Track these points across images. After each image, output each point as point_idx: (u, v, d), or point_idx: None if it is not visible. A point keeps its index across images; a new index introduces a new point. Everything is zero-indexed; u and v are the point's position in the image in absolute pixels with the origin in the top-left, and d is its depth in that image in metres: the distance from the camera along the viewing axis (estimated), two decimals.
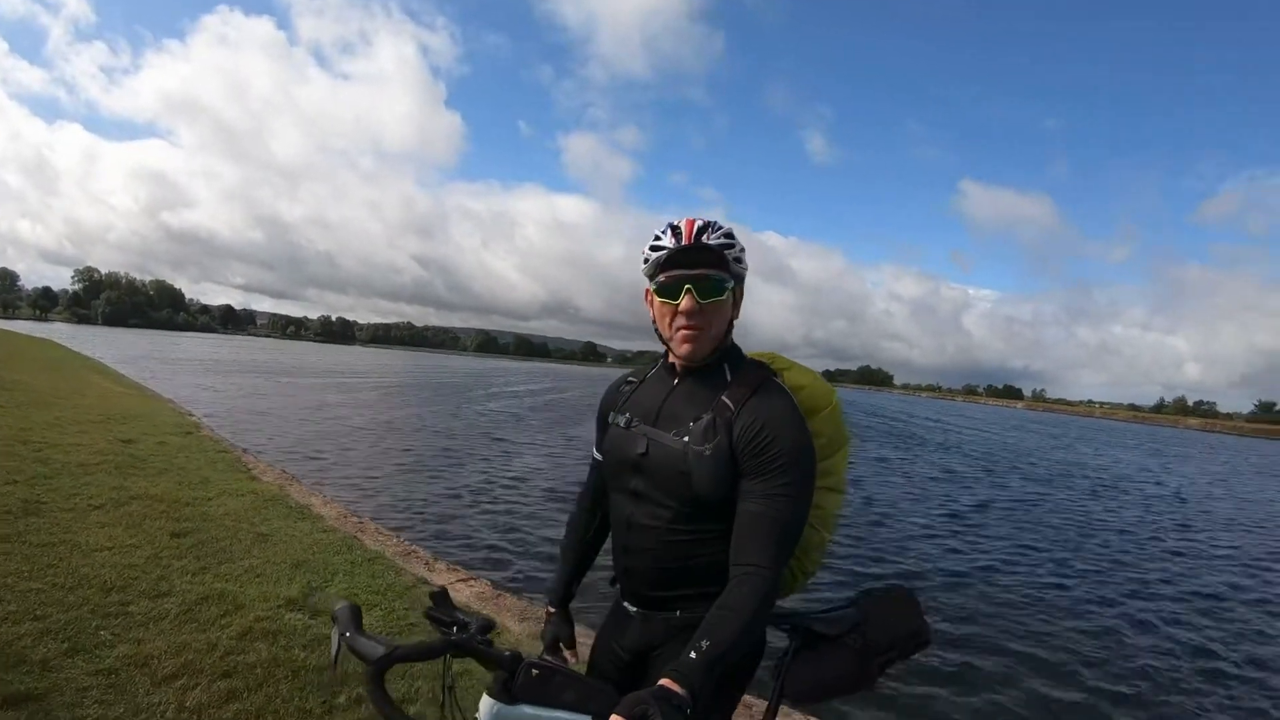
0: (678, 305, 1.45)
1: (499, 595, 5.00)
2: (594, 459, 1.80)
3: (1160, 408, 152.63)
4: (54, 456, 7.39)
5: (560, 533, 7.33)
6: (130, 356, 39.48)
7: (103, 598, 3.91)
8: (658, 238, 1.48)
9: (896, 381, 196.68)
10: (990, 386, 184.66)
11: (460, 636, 1.23)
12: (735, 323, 1.55)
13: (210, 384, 25.30)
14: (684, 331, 1.47)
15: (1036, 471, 20.03)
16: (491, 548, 7.27)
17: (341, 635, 1.20)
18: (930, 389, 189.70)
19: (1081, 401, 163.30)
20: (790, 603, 1.62)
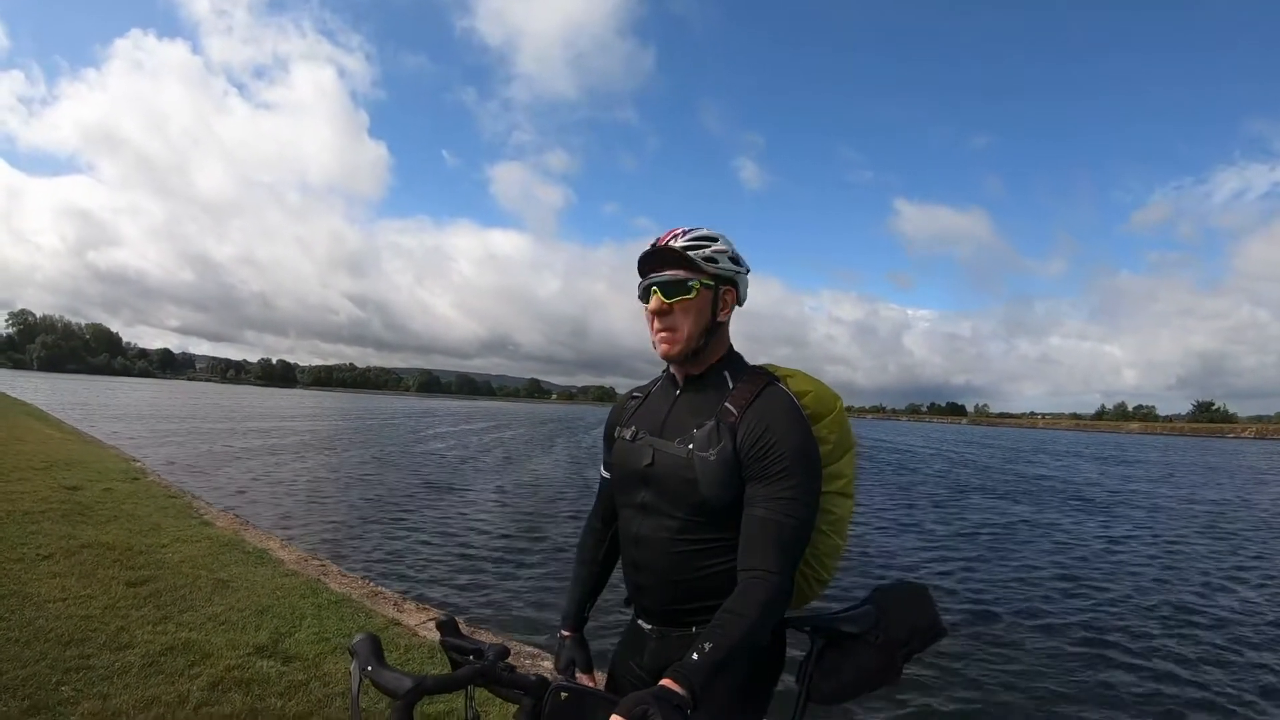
0: (649, 307, 1.55)
1: (474, 631, 4.96)
2: (601, 477, 1.82)
3: (1101, 414, 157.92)
4: None
5: (519, 568, 7.22)
6: (69, 402, 37.95)
7: (61, 651, 3.78)
8: None
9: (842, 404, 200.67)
10: (934, 405, 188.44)
11: (485, 664, 1.19)
12: (730, 326, 1.60)
13: (153, 430, 24.43)
14: (659, 334, 1.52)
15: (1008, 487, 20.32)
16: (457, 586, 7.14)
17: (362, 669, 1.12)
18: (875, 410, 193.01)
19: (1024, 413, 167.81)
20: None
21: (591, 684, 1.65)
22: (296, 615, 4.77)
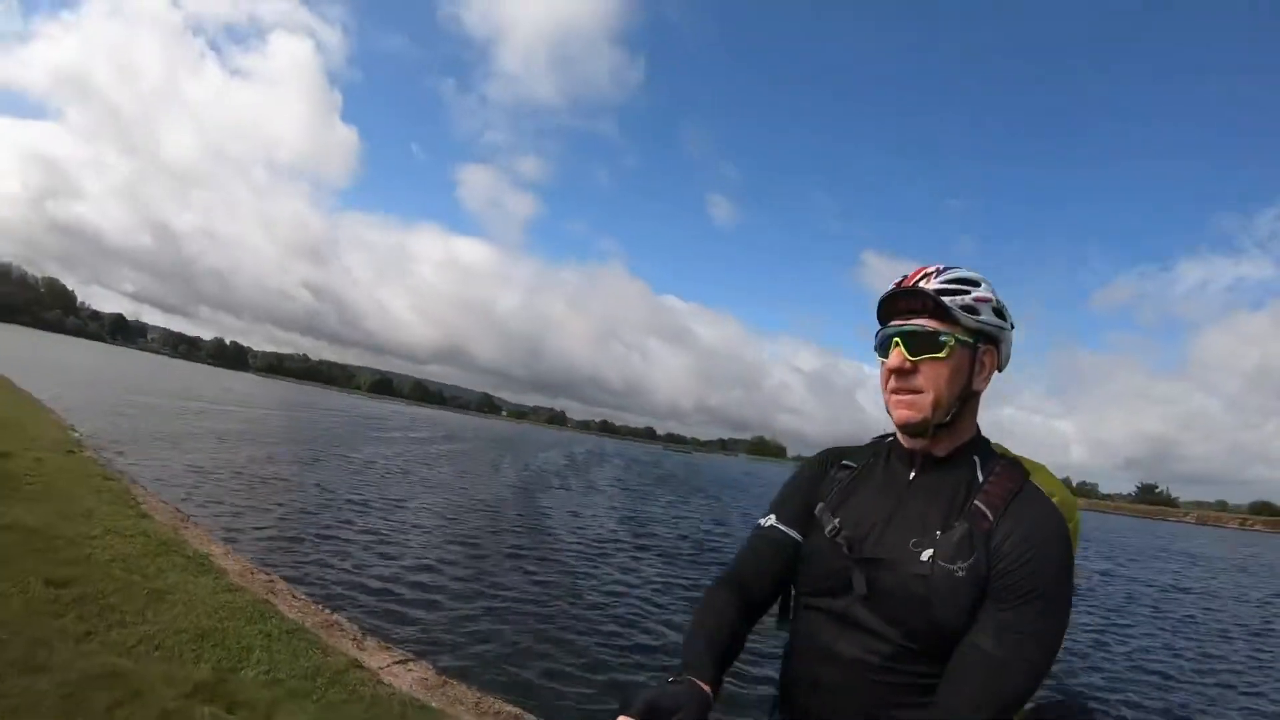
0: (888, 362, 1.21)
1: (446, 683, 4.39)
2: (759, 526, 1.38)
3: None
4: None
5: (485, 602, 6.56)
6: (13, 356, 35.98)
7: None
8: None
9: (789, 453, 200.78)
10: None
11: None
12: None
13: (98, 399, 23.07)
14: (897, 396, 1.21)
15: None
16: (422, 625, 6.35)
17: None
18: None
19: None
20: None
21: None
22: (243, 646, 4.15)
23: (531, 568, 9.32)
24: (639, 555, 11.55)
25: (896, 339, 1.19)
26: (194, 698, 3.38)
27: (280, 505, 10.50)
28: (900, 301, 1.22)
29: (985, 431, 1.28)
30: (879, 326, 1.24)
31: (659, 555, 11.81)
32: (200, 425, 21.04)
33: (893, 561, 1.15)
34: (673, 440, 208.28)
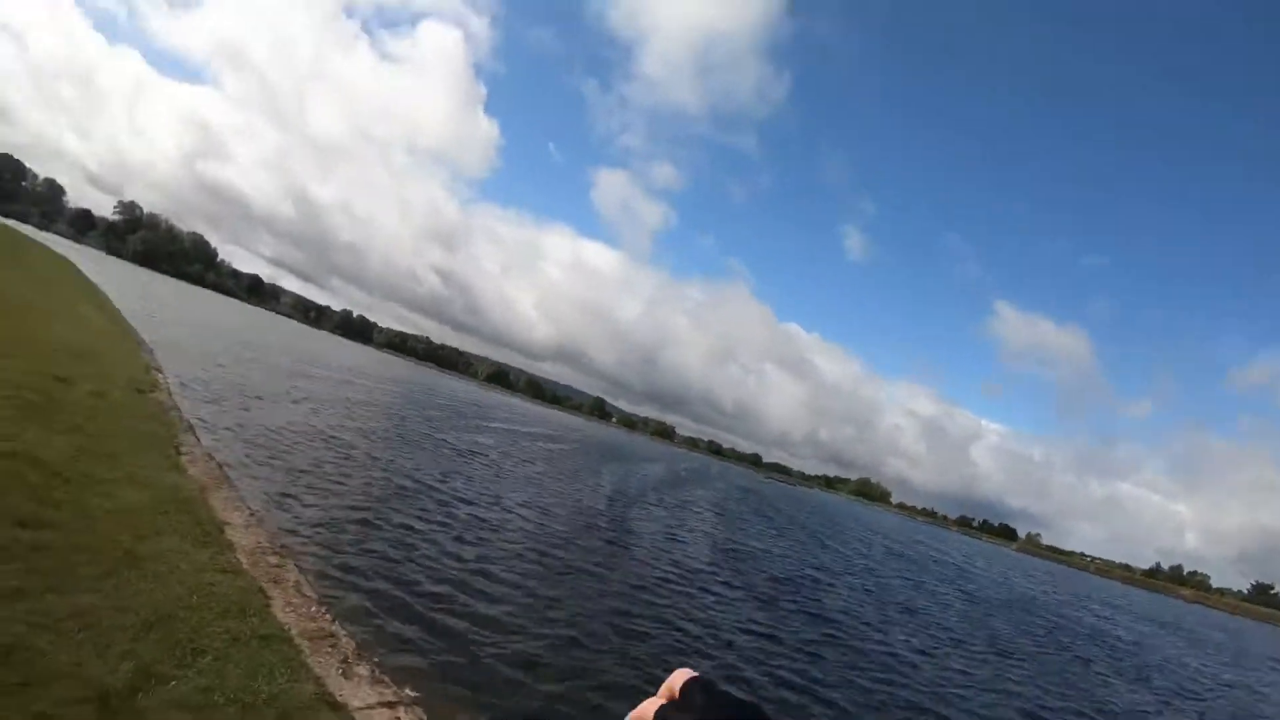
0: None
1: None
2: None
3: (1154, 573, 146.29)
4: None
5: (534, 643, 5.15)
6: (144, 297, 38.12)
7: None
8: None
9: (894, 499, 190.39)
10: (985, 522, 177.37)
11: None
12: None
13: (206, 347, 23.63)
14: None
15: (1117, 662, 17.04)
16: (440, 655, 5.11)
17: None
18: (927, 513, 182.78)
19: (1075, 552, 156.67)
20: None
21: None
22: (194, 647, 3.26)
23: (606, 596, 7.96)
24: (730, 591, 10.05)
25: None
26: (83, 706, 2.50)
27: (346, 482, 9.63)
28: None
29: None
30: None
31: (753, 595, 10.26)
32: (305, 388, 20.91)
33: None
34: (777, 470, 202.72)
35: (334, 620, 4.53)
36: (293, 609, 4.35)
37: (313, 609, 4.56)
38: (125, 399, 8.27)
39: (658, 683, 0.61)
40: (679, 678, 0.61)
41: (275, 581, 4.71)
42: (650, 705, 0.60)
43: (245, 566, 4.69)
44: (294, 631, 3.97)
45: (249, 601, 4.05)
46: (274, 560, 5.19)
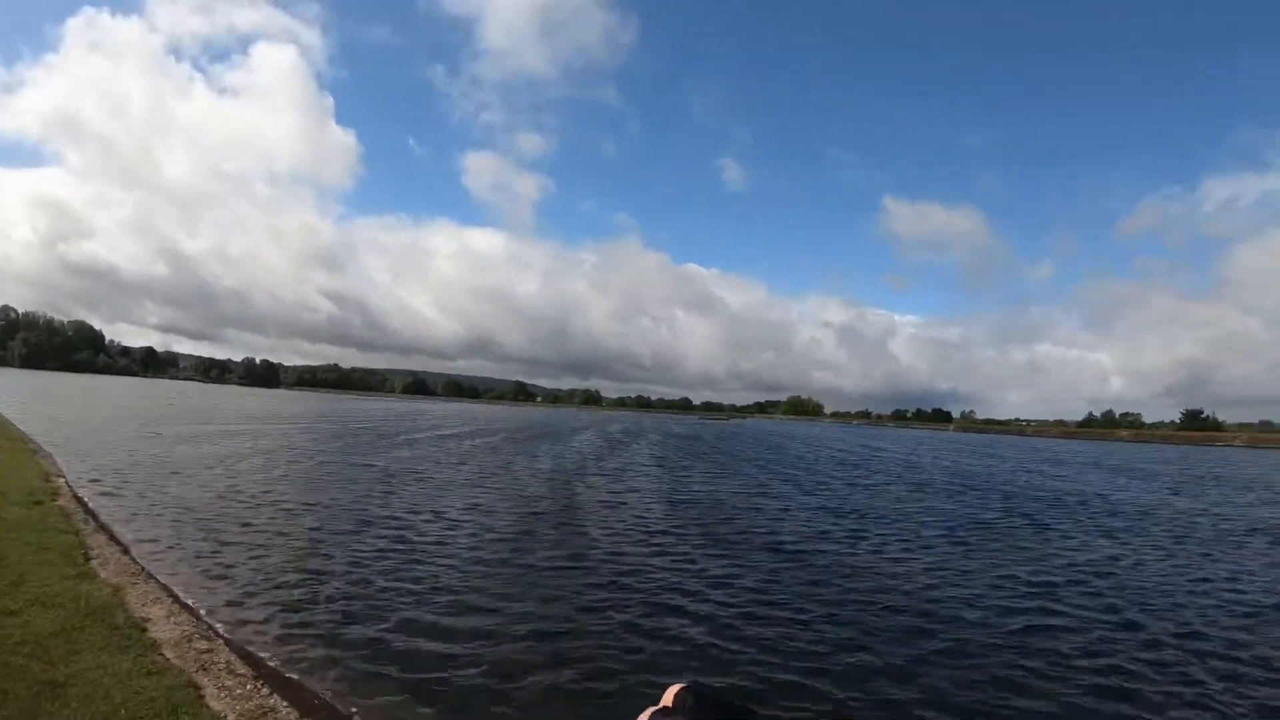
0: None
1: None
2: None
3: (1089, 422, 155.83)
4: None
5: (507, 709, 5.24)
6: (30, 403, 36.15)
7: None
8: None
9: (827, 410, 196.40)
10: (919, 411, 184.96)
11: None
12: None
13: (102, 438, 22.67)
14: None
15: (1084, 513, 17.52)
16: (392, 685, 5.16)
17: None
18: (861, 415, 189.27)
19: (1011, 420, 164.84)
20: None
21: None
22: None
23: (569, 583, 8.03)
24: (689, 546, 10.43)
25: None
26: None
27: (278, 539, 9.32)
28: None
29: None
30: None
31: (712, 542, 10.62)
32: (218, 450, 20.23)
33: None
34: (710, 408, 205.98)
35: (271, 693, 4.70)
36: (226, 692, 4.51)
37: (248, 686, 4.71)
38: (22, 515, 8.07)
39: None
40: (670, 690, 0.76)
41: (204, 669, 4.84)
42: (644, 716, 0.76)
43: (173, 661, 4.80)
44: (230, 717, 4.14)
45: (178, 699, 4.19)
46: (203, 645, 5.29)
